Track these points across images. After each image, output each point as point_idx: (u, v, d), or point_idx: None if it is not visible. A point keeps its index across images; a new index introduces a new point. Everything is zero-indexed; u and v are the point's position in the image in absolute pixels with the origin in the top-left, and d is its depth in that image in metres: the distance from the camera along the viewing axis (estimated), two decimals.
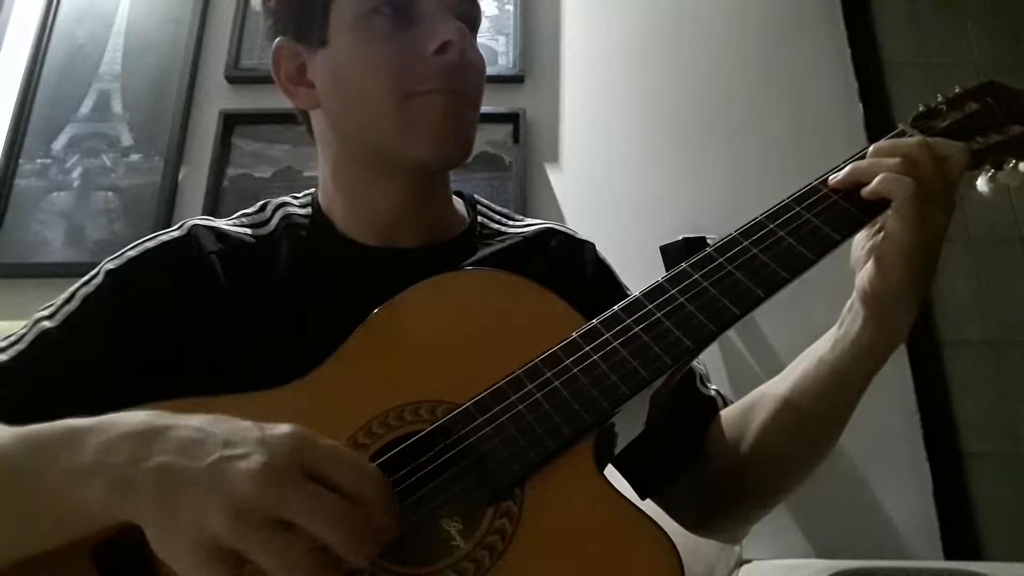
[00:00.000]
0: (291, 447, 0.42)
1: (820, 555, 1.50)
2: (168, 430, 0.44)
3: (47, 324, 0.64)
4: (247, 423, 0.44)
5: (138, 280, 0.68)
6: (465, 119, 0.69)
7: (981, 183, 0.64)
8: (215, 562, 0.40)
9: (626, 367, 0.53)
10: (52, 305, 0.66)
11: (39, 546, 0.47)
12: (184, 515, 0.41)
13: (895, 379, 1.65)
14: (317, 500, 0.41)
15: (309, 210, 0.76)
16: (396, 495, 0.46)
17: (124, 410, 0.48)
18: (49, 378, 0.61)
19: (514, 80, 1.93)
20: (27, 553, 0.47)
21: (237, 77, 1.96)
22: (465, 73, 0.68)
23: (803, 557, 1.47)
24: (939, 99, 0.65)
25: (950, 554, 1.53)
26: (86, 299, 0.66)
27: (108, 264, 0.69)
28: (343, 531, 0.41)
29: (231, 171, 1.88)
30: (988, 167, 0.63)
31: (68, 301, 0.66)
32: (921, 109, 0.65)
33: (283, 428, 0.44)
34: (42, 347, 0.63)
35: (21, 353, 0.62)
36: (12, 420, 0.51)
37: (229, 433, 0.43)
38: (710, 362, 0.79)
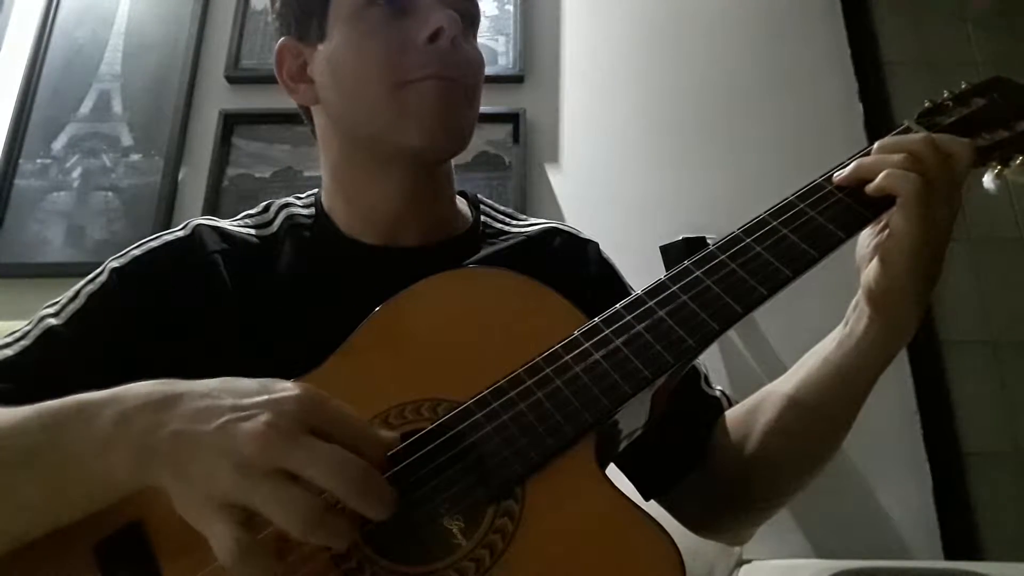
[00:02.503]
0: (295, 405, 0.44)
1: (820, 555, 1.50)
2: (181, 398, 0.46)
3: (52, 321, 0.64)
4: (255, 384, 0.47)
5: (142, 278, 0.68)
6: (459, 108, 0.69)
7: (987, 180, 0.63)
8: (223, 513, 0.42)
9: (628, 366, 0.53)
10: (57, 303, 0.67)
11: (63, 519, 0.48)
12: (196, 476, 0.43)
13: (895, 379, 1.65)
14: (319, 451, 0.43)
15: (312, 210, 0.77)
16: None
17: None
18: (53, 374, 0.61)
19: (514, 80, 1.93)
20: (51, 526, 0.48)
21: (237, 77, 1.96)
22: (458, 61, 0.69)
23: (803, 557, 1.47)
24: (945, 95, 0.64)
25: (950, 554, 1.52)
26: (91, 297, 0.66)
27: (113, 262, 0.69)
28: (346, 478, 0.43)
29: (231, 171, 1.87)
30: (995, 164, 0.62)
31: (73, 299, 0.67)
32: (927, 105, 0.64)
33: (288, 387, 0.46)
34: (47, 343, 0.63)
35: (26, 349, 0.63)
36: None
37: (238, 396, 0.45)
38: (710, 362, 0.79)
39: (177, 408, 0.46)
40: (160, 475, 0.45)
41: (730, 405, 0.74)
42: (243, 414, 0.44)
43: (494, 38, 1.99)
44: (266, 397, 0.45)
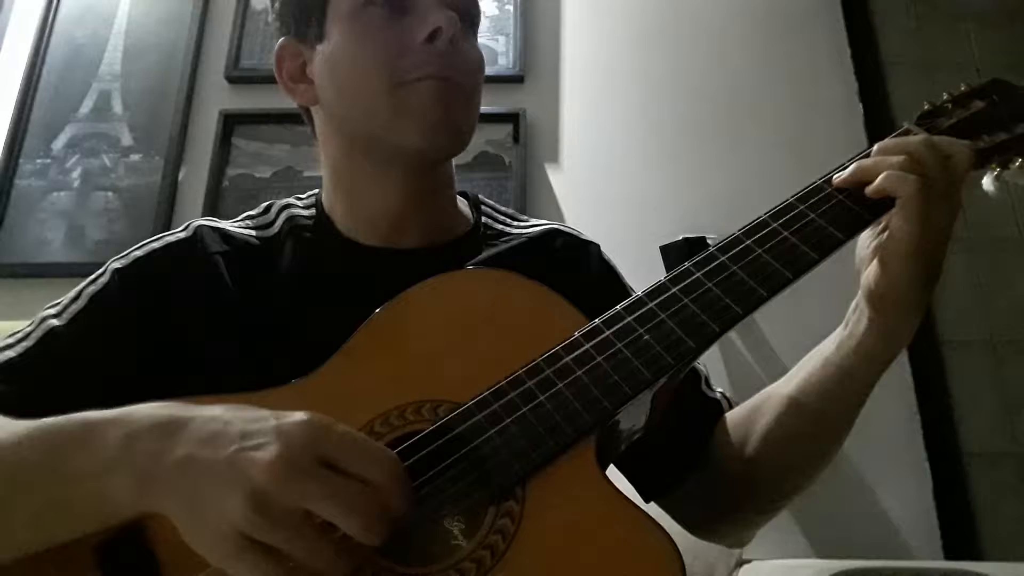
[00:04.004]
0: (306, 436, 0.44)
1: (820, 555, 1.50)
2: (188, 422, 0.46)
3: (54, 322, 0.64)
4: (264, 412, 0.46)
5: (144, 279, 0.68)
6: (457, 107, 0.69)
7: (987, 182, 0.63)
8: (245, 552, 0.42)
9: (628, 367, 0.53)
10: (59, 304, 0.67)
11: (64, 536, 0.48)
12: (207, 507, 0.42)
13: (895, 379, 1.65)
14: (331, 488, 0.43)
15: (313, 211, 0.77)
16: (407, 474, 0.47)
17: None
18: (55, 375, 0.62)
19: (514, 80, 1.93)
20: (54, 542, 0.48)
21: (237, 77, 1.96)
22: (456, 61, 0.69)
23: (803, 557, 1.47)
24: (944, 97, 0.65)
25: (950, 554, 1.53)
26: (93, 298, 0.66)
27: (114, 263, 0.69)
28: (356, 517, 0.43)
29: (231, 171, 1.88)
30: (994, 166, 0.62)
31: (75, 300, 0.67)
32: (926, 107, 0.65)
33: (298, 416, 0.45)
34: (49, 344, 0.63)
35: (28, 350, 0.63)
36: (18, 416, 0.51)
37: (246, 423, 0.45)
38: (710, 363, 0.79)
39: (184, 433, 0.45)
40: (163, 502, 0.45)
41: (730, 407, 0.74)
42: (253, 443, 0.43)
43: (494, 38, 1.99)
44: (275, 424, 0.44)
